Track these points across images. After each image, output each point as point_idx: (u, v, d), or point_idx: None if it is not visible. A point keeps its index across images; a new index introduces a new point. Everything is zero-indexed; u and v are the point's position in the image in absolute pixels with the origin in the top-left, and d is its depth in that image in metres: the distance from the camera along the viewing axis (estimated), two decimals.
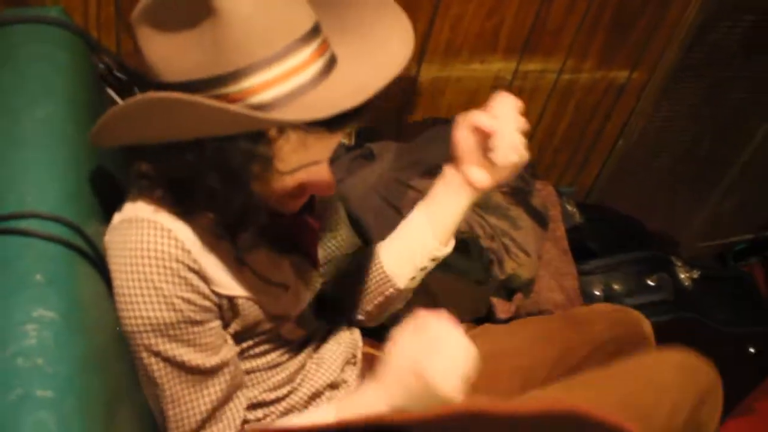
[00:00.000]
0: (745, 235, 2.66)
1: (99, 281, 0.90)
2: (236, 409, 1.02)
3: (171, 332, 0.91)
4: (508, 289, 1.59)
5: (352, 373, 1.21)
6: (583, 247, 1.91)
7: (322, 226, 1.20)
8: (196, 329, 0.93)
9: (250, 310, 1.01)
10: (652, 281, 1.80)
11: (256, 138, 0.84)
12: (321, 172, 0.95)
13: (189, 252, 0.90)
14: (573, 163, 2.15)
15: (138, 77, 1.38)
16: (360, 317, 1.27)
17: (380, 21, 0.93)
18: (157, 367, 0.93)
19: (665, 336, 1.78)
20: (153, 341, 0.91)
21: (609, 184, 2.25)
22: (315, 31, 0.85)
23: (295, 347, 1.14)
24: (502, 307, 1.53)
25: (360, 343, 1.26)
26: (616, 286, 1.80)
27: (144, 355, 0.92)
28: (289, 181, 0.93)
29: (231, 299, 0.98)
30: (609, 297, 1.78)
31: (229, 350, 1.00)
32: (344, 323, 1.27)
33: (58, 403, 0.71)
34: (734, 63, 2.06)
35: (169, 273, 0.89)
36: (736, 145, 2.35)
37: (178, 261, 0.89)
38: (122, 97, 1.39)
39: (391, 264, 1.20)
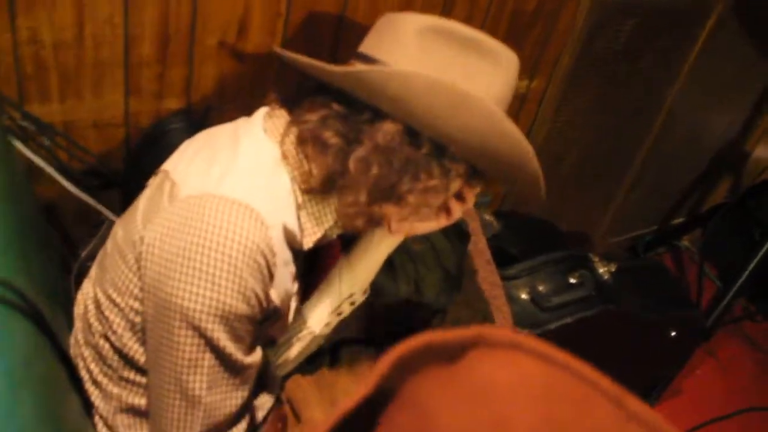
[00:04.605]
0: (651, 226, 2.78)
1: (36, 334, 0.86)
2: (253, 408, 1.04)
3: (234, 323, 0.90)
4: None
5: None
6: (503, 253, 1.96)
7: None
8: (251, 327, 0.93)
9: (270, 327, 1.02)
10: (573, 278, 1.85)
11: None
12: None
13: (274, 254, 0.91)
14: None
15: (42, 125, 1.34)
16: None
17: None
18: (199, 351, 0.90)
19: (592, 329, 1.84)
20: (211, 326, 0.89)
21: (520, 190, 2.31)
22: None
23: None
24: None
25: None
26: (540, 287, 1.85)
27: (189, 334, 0.89)
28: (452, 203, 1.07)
29: (275, 310, 0.98)
30: (535, 298, 1.82)
31: (259, 353, 0.99)
32: None
33: None
34: (622, 65, 2.17)
35: (255, 267, 0.89)
36: (634, 142, 2.46)
37: (264, 258, 0.89)
38: (27, 146, 1.35)
39: (308, 307, 1.16)
